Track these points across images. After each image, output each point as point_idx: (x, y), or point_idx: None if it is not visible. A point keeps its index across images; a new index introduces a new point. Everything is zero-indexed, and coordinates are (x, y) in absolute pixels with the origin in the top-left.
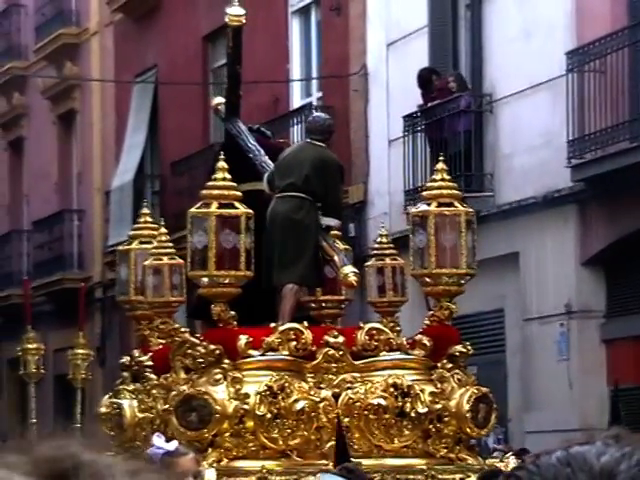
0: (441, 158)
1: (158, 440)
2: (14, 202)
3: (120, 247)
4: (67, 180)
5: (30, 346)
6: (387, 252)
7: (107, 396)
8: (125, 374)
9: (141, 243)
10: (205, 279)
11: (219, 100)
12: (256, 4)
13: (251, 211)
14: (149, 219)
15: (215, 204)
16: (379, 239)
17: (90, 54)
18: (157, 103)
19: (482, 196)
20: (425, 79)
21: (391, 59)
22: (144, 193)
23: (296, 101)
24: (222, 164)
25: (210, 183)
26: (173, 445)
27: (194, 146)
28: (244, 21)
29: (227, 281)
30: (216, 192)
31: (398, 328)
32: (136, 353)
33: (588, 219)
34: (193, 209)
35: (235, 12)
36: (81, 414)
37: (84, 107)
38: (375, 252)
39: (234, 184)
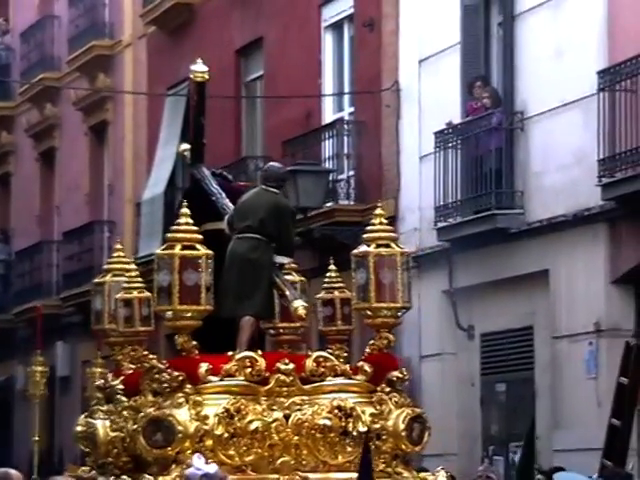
0: (379, 205)
1: (198, 461)
2: (45, 213)
3: (95, 279)
4: (98, 191)
5: (38, 368)
6: (336, 285)
7: (83, 416)
8: (100, 395)
9: (114, 276)
10: (169, 313)
11: (185, 147)
12: (290, 19)
13: (211, 252)
14: (122, 254)
15: (179, 246)
16: (329, 274)
17: (123, 66)
18: (189, 116)
19: (512, 213)
20: (470, 86)
21: (423, 75)
22: (175, 205)
23: (328, 116)
24: (185, 210)
25: (174, 227)
26: (213, 468)
27: (226, 159)
28: (207, 77)
29: (189, 315)
30: (180, 235)
31: (345, 354)
32: (110, 377)
33: (618, 237)
34: (159, 250)
35: (199, 69)
36: None
37: (116, 119)
38: (325, 285)
39: (196, 228)
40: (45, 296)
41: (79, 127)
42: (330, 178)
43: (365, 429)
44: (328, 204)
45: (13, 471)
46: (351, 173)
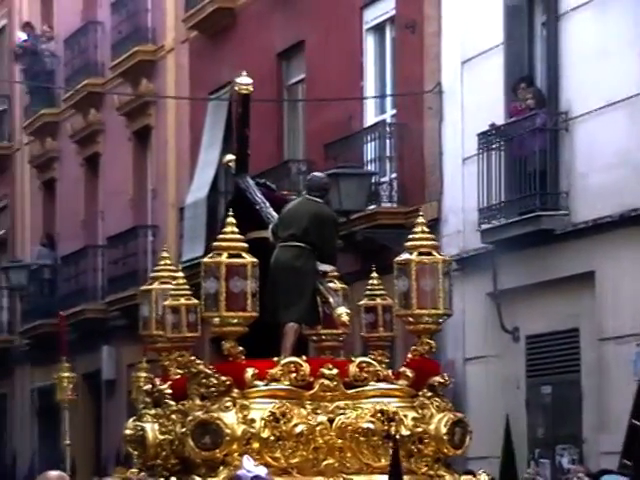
0: (421, 214)
1: (248, 463)
2: (90, 218)
3: (142, 287)
4: (142, 196)
5: (64, 374)
6: (378, 292)
7: (132, 419)
8: (147, 400)
9: (161, 284)
10: (216, 319)
11: (230, 157)
12: (331, 21)
13: (256, 260)
14: (168, 262)
15: (225, 254)
16: (371, 281)
17: (165, 71)
18: (231, 120)
19: (557, 215)
20: (515, 87)
21: (466, 77)
22: (217, 209)
23: (370, 118)
24: (231, 219)
25: (221, 236)
26: (263, 470)
27: (268, 163)
28: (252, 89)
29: (236, 321)
30: (226, 244)
31: (387, 360)
32: (157, 381)
33: None
34: (206, 259)
35: (244, 81)
36: None
37: (159, 124)
38: (367, 292)
39: (241, 236)
40: (90, 300)
41: (122, 132)
42: (372, 181)
43: (408, 433)
44: (370, 207)
45: (53, 472)
46: (393, 176)
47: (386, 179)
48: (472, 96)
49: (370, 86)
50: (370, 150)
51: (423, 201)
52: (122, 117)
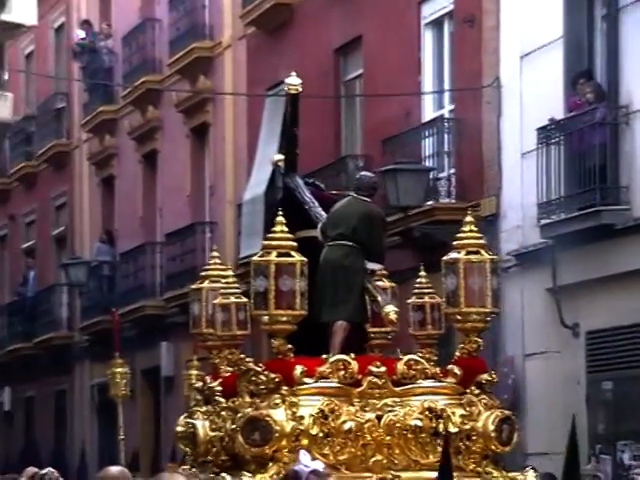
0: (469, 212)
1: (305, 458)
2: (148, 214)
3: (193, 286)
4: (200, 193)
5: (118, 370)
6: (426, 291)
7: (183, 416)
8: (198, 397)
9: (211, 282)
10: (266, 317)
11: (279, 157)
12: (389, 16)
13: (305, 259)
14: (218, 260)
15: (274, 253)
16: (419, 279)
17: (223, 67)
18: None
19: (618, 209)
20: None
21: (525, 71)
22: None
23: (428, 114)
24: (280, 219)
25: (270, 235)
26: (319, 465)
27: (325, 159)
28: (301, 89)
29: (285, 319)
30: (275, 243)
31: (435, 358)
32: (208, 379)
33: None
34: (255, 258)
35: (293, 82)
36: None
37: (217, 120)
38: (416, 291)
39: (290, 235)
40: (149, 297)
41: (180, 129)
42: (430, 176)
43: (456, 430)
44: (428, 203)
45: (114, 468)
46: (452, 171)
47: (444, 174)
48: (531, 90)
49: (428, 81)
50: (428, 145)
51: (482, 196)
52: (180, 114)
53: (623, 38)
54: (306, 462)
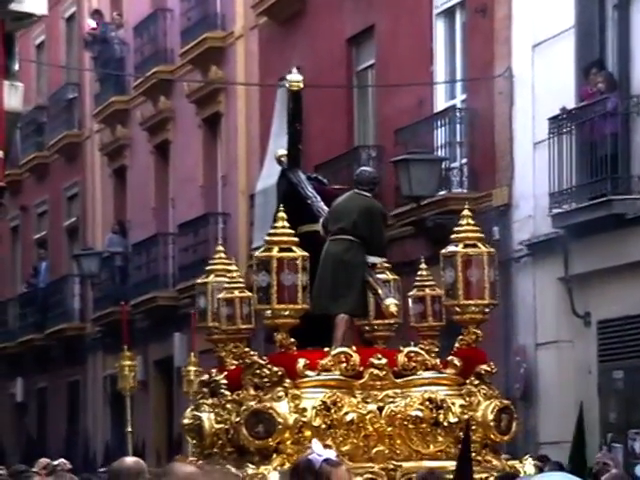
0: (467, 206)
1: (318, 447)
2: (160, 205)
3: (199, 280)
4: (212, 183)
5: (126, 363)
6: (427, 283)
7: (189, 409)
8: (205, 390)
9: (216, 276)
10: (268, 312)
11: (282, 152)
12: (401, 7)
13: (307, 254)
14: (223, 255)
15: (276, 248)
16: (420, 272)
17: (235, 58)
18: (301, 106)
19: (629, 199)
20: (586, 72)
21: (537, 61)
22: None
23: (440, 104)
24: (282, 214)
25: (272, 231)
26: (332, 453)
27: (338, 149)
28: (302, 85)
29: (287, 313)
30: (277, 238)
31: (436, 349)
32: (213, 372)
33: None
34: (258, 253)
35: (294, 78)
36: None
37: (229, 110)
38: (417, 283)
39: (292, 231)
40: (161, 288)
41: (193, 119)
42: (443, 166)
43: (455, 420)
44: (441, 193)
45: (129, 458)
46: (464, 161)
47: (456, 164)
48: (543, 80)
49: (440, 71)
50: (440, 135)
51: (494, 186)
52: (192, 104)
53: (634, 27)
54: (320, 451)
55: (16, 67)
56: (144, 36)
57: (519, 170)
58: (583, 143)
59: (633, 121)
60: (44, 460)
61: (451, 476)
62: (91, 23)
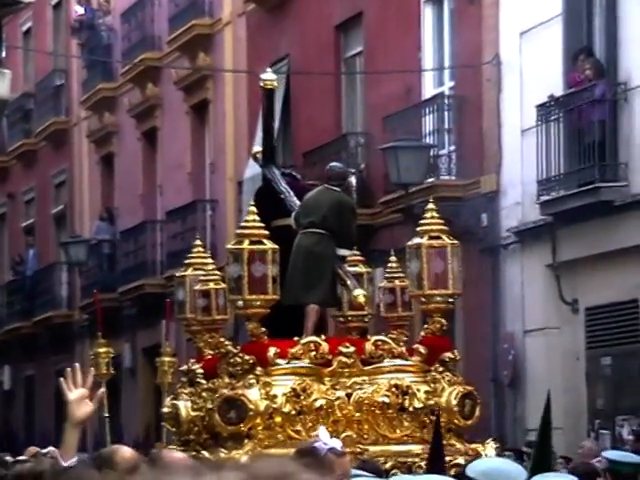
0: (431, 200)
1: (324, 435)
2: (148, 192)
3: (177, 273)
4: (200, 170)
5: (101, 350)
6: (397, 275)
7: (169, 398)
8: (183, 379)
9: (194, 270)
10: (240, 302)
11: (257, 149)
12: None
13: (277, 246)
14: (201, 249)
15: (247, 241)
16: (390, 264)
17: (223, 44)
18: (289, 93)
19: (616, 186)
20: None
21: (524, 48)
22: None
23: (428, 91)
24: (252, 208)
25: (243, 224)
26: (338, 443)
27: (326, 136)
28: (276, 84)
29: (258, 303)
30: (248, 231)
31: (405, 338)
32: (191, 362)
33: None
34: (229, 245)
35: (268, 77)
36: None
37: (217, 97)
38: (387, 275)
39: (262, 224)
40: (149, 275)
41: (180, 106)
42: (431, 153)
43: (421, 405)
44: (429, 180)
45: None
46: (452, 148)
47: (445, 152)
48: (531, 67)
49: (428, 58)
50: (428, 122)
51: (482, 173)
52: (180, 91)
53: (622, 14)
54: (325, 439)
55: (3, 54)
56: (131, 23)
57: (507, 157)
58: (571, 130)
59: (621, 108)
60: (33, 448)
61: (417, 459)
62: (78, 10)
